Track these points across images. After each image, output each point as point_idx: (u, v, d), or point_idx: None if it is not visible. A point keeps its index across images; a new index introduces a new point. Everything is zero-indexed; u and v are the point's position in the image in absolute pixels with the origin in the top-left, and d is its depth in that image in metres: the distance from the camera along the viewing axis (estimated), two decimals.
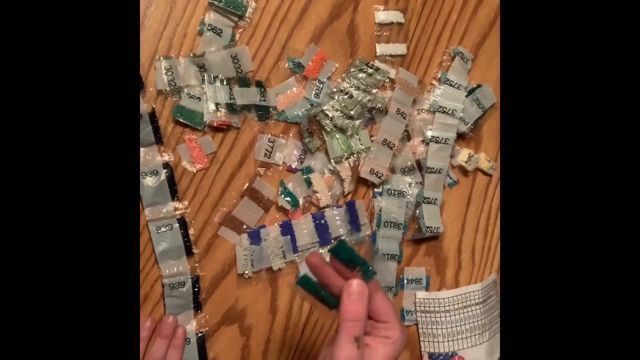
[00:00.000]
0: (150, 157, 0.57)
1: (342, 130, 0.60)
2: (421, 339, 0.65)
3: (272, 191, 0.60)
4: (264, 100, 0.58)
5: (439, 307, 0.64)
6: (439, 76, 0.64)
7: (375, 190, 0.63)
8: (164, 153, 0.57)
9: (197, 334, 0.59)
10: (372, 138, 0.61)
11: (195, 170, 0.58)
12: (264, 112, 0.59)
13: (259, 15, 0.58)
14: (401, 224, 0.63)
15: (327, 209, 0.61)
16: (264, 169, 0.60)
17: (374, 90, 0.61)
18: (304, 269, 0.58)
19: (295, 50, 0.59)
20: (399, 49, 0.62)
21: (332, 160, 0.60)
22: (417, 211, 0.63)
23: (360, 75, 0.60)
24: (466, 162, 0.65)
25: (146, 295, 0.58)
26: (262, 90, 0.58)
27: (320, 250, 0.61)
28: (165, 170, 0.57)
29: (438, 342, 0.64)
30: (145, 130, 0.56)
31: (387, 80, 0.62)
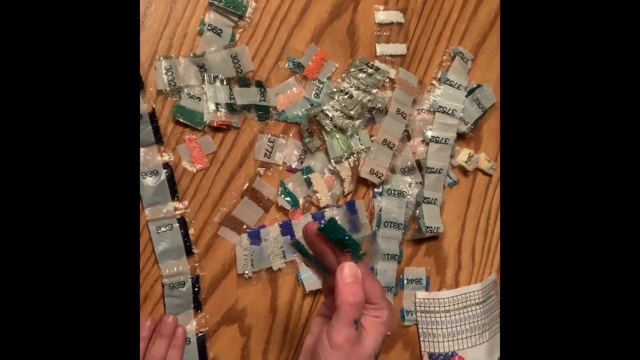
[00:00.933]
0: (150, 157, 0.57)
1: (342, 130, 0.60)
2: (421, 339, 0.65)
3: (272, 191, 0.60)
4: (264, 100, 0.58)
5: (439, 307, 0.64)
6: (439, 76, 0.64)
7: (375, 190, 0.63)
8: (164, 153, 0.57)
9: (197, 334, 0.59)
10: (372, 138, 0.61)
11: (195, 170, 0.58)
12: (264, 112, 0.59)
13: (259, 15, 0.58)
14: (401, 224, 0.63)
15: (327, 209, 0.61)
16: (264, 169, 0.60)
17: (374, 90, 0.61)
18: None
19: (295, 50, 0.59)
20: (399, 49, 0.62)
21: (332, 160, 0.60)
22: (417, 211, 0.63)
23: (360, 75, 0.60)
24: (466, 162, 0.65)
25: (146, 295, 0.58)
26: (262, 90, 0.58)
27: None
28: (165, 170, 0.57)
29: (438, 342, 0.64)
30: (145, 130, 0.56)
31: (387, 80, 0.62)
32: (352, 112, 0.60)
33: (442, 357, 0.64)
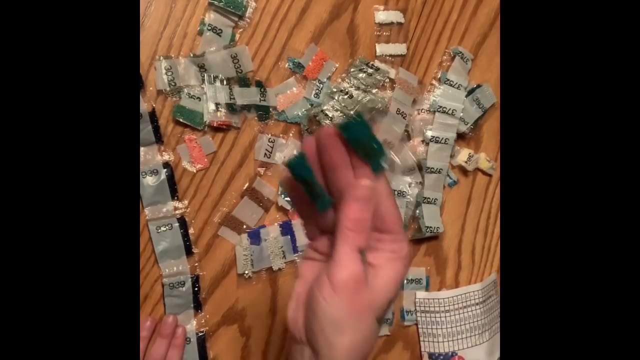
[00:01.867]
0: (150, 156, 0.57)
1: None
2: (421, 339, 0.65)
3: (272, 191, 0.60)
4: (264, 100, 0.58)
5: (439, 307, 0.64)
6: (439, 76, 0.64)
7: None
8: (164, 152, 0.57)
9: (197, 334, 0.59)
10: None
11: (195, 170, 0.58)
12: (264, 112, 0.59)
13: (259, 15, 0.58)
14: None
15: None
16: (264, 169, 0.60)
17: (374, 90, 0.61)
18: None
19: (295, 50, 0.59)
20: (399, 49, 0.62)
21: None
22: (417, 211, 0.63)
23: (360, 75, 0.60)
24: (466, 162, 0.65)
25: (146, 295, 0.58)
26: (262, 90, 0.58)
27: None
28: (165, 170, 0.57)
29: (438, 342, 0.64)
30: (145, 130, 0.56)
31: (387, 80, 0.62)
32: (352, 112, 0.60)
33: (442, 357, 0.64)
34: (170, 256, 0.58)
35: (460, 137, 0.65)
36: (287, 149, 0.60)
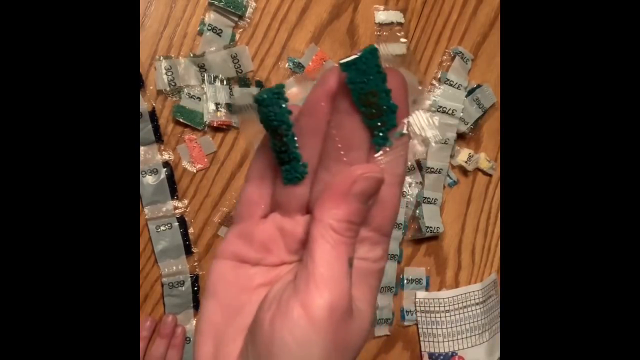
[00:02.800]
0: (150, 155, 0.57)
1: None
2: (421, 339, 0.65)
3: None
4: None
5: (439, 307, 0.64)
6: (439, 76, 0.64)
7: None
8: (163, 152, 0.57)
9: None
10: None
11: (195, 170, 0.58)
12: None
13: (259, 15, 0.58)
14: (401, 224, 0.63)
15: None
16: None
17: None
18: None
19: (295, 50, 0.59)
20: (399, 48, 0.62)
21: None
22: (417, 211, 0.63)
23: None
24: (466, 162, 0.65)
25: (146, 295, 0.58)
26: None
27: None
28: (165, 169, 0.57)
29: (438, 342, 0.64)
30: (145, 129, 0.56)
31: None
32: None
33: (442, 357, 0.64)
34: (169, 256, 0.58)
35: (460, 137, 0.65)
36: None
